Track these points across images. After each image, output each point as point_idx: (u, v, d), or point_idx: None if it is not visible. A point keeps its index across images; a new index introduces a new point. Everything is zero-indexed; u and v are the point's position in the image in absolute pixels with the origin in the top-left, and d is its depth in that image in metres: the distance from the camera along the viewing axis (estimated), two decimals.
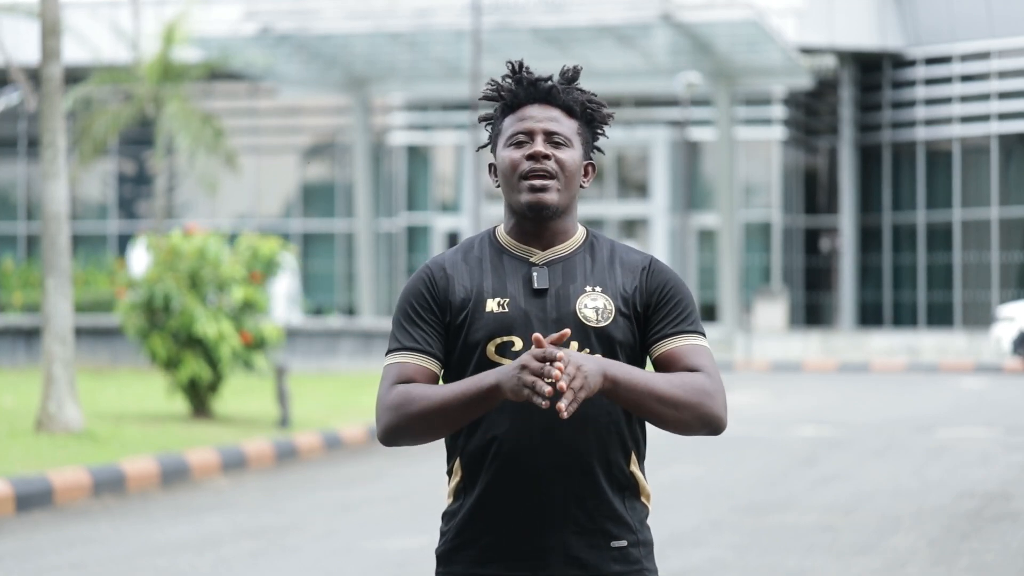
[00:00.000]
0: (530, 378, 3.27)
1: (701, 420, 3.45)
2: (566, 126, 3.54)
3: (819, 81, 42.43)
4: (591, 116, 3.59)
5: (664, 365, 3.52)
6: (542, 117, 3.54)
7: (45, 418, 14.93)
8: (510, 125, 3.55)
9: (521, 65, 3.59)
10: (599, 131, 3.62)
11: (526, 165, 3.51)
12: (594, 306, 3.50)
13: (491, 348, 3.47)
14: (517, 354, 3.45)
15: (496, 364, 3.46)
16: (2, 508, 11.63)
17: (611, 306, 3.50)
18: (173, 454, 14.15)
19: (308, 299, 41.49)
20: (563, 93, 3.55)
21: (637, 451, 3.55)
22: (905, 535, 10.73)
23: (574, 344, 3.47)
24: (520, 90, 3.56)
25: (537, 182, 3.50)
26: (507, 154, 3.54)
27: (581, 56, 36.71)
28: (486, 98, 3.59)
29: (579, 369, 3.30)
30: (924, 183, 43.06)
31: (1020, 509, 12.10)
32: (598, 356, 3.42)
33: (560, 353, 3.29)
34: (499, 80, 3.60)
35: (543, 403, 3.25)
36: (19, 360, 27.07)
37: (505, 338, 3.47)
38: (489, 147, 3.62)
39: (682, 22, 35.68)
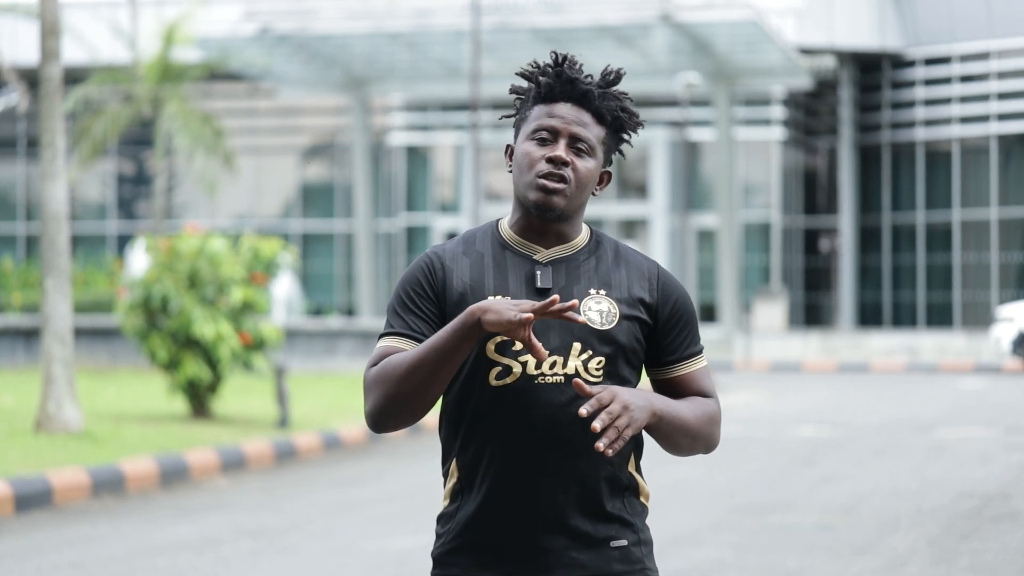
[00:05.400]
0: (528, 305, 3.27)
1: (706, 447, 3.55)
2: (593, 133, 3.49)
3: (819, 81, 42.43)
4: (620, 125, 3.54)
5: (673, 387, 3.55)
6: (571, 119, 3.47)
7: (44, 418, 14.92)
8: (537, 117, 3.49)
9: (565, 58, 3.52)
10: (625, 139, 3.58)
11: (543, 166, 3.46)
12: (598, 309, 3.46)
13: (491, 346, 3.43)
14: (517, 353, 3.43)
15: (496, 363, 3.43)
16: (1, 508, 11.63)
17: (615, 309, 3.47)
18: (172, 454, 14.15)
19: (308, 299, 41.50)
20: (599, 98, 3.49)
21: (636, 452, 3.53)
22: (905, 535, 10.72)
23: (576, 345, 3.44)
24: (557, 84, 3.49)
25: (550, 184, 3.45)
26: (528, 147, 3.48)
27: (581, 56, 36.57)
28: (522, 75, 3.53)
29: (625, 408, 3.30)
30: (924, 183, 43.06)
31: (1020, 509, 12.10)
32: (645, 391, 3.41)
33: (605, 392, 3.29)
34: (539, 64, 3.53)
35: (523, 316, 3.24)
36: (18, 360, 27.06)
37: (505, 336, 3.40)
38: (513, 126, 3.59)
39: (682, 22, 35.68)
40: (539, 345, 3.28)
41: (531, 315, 3.24)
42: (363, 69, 40.70)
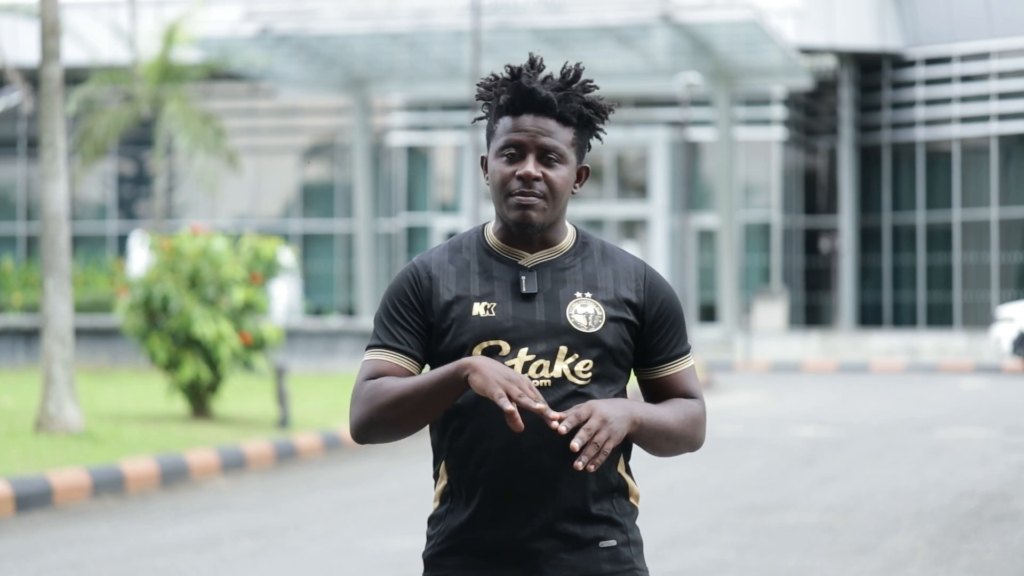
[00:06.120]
0: (516, 391, 3.28)
1: (690, 448, 3.56)
2: (561, 139, 3.46)
3: (819, 81, 42.44)
4: (589, 120, 3.50)
5: (659, 388, 3.56)
6: (536, 131, 3.44)
7: (45, 418, 14.92)
8: (503, 132, 3.47)
9: (520, 70, 3.48)
10: (597, 133, 3.54)
11: (515, 184, 3.45)
12: (584, 312, 3.46)
13: (477, 352, 3.43)
14: (504, 358, 3.43)
15: None
16: (2, 508, 11.63)
17: (601, 312, 3.47)
18: (172, 454, 14.15)
19: (308, 299, 41.50)
20: (560, 103, 3.45)
21: (625, 452, 3.54)
22: (905, 535, 10.72)
23: (563, 349, 3.43)
24: (517, 97, 3.46)
25: (524, 201, 3.45)
26: (498, 167, 3.47)
27: (581, 56, 36.70)
28: (480, 98, 3.52)
29: (604, 422, 3.32)
30: (924, 183, 43.06)
31: (1020, 509, 12.10)
32: (623, 400, 3.42)
33: (582, 408, 3.32)
34: (497, 76, 3.51)
35: (507, 407, 3.26)
36: (19, 360, 27.06)
37: (492, 342, 3.43)
38: (485, 131, 3.57)
39: (682, 22, 35.69)
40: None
41: (513, 409, 3.26)
42: (363, 69, 40.71)
